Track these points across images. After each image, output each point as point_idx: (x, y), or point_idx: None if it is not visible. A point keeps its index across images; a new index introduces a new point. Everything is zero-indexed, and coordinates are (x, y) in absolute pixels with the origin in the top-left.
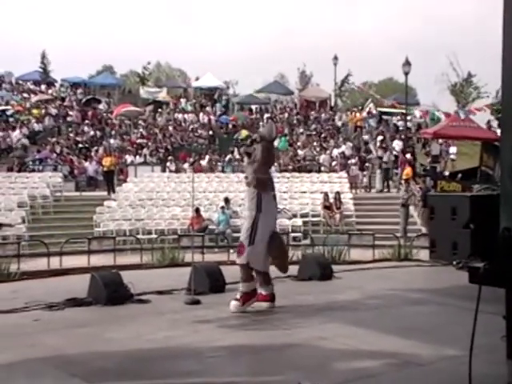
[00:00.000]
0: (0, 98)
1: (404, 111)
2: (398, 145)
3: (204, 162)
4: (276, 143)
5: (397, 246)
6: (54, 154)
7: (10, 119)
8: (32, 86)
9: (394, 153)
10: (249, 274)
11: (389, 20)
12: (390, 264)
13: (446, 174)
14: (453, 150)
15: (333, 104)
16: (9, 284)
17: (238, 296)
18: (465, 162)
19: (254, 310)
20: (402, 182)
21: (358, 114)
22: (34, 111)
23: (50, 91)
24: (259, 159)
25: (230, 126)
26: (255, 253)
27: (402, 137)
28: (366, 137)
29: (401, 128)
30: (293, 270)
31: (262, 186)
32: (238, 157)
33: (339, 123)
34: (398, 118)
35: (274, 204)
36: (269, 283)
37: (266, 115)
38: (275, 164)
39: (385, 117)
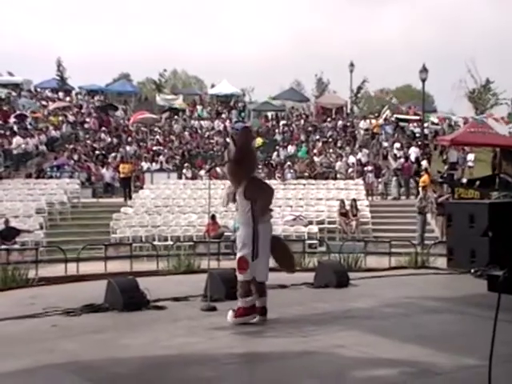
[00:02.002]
0: (21, 106)
1: (420, 117)
2: (414, 152)
3: (220, 169)
4: (293, 151)
5: (414, 254)
6: (72, 161)
7: (29, 127)
8: (50, 94)
9: (411, 160)
10: (248, 289)
11: (406, 27)
12: (407, 272)
13: (464, 181)
14: (470, 157)
15: (349, 111)
16: (27, 290)
17: (236, 307)
18: (483, 168)
19: (268, 318)
20: (420, 189)
21: (373, 121)
22: (52, 118)
23: (67, 99)
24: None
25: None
26: (260, 265)
27: (419, 143)
28: (385, 144)
29: (417, 135)
30: (309, 277)
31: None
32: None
33: (362, 128)
34: (415, 124)
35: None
36: (263, 295)
37: (282, 122)
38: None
39: (401, 123)
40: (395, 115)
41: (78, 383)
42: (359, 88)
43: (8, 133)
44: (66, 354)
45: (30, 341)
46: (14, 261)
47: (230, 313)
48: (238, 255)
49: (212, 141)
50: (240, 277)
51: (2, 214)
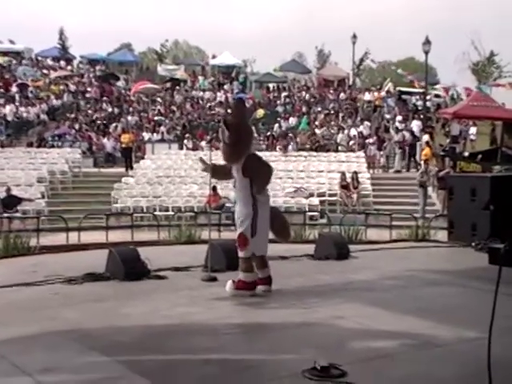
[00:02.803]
0: (22, 75)
1: (423, 90)
2: (416, 125)
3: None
4: (295, 123)
5: (414, 227)
6: (73, 130)
7: (30, 95)
8: (51, 62)
9: (413, 132)
10: (250, 265)
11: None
12: (408, 244)
13: (466, 154)
14: (473, 130)
15: (351, 83)
16: (29, 258)
17: (236, 279)
18: (485, 142)
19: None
20: (421, 162)
21: (376, 94)
22: (53, 87)
23: (68, 67)
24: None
25: (248, 104)
26: (260, 240)
27: (421, 116)
28: (387, 116)
29: (420, 108)
30: (309, 249)
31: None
32: (255, 135)
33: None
34: (417, 97)
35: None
36: (265, 266)
37: (284, 94)
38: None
39: (404, 96)
40: (398, 88)
41: (81, 351)
42: (361, 60)
43: (9, 101)
44: (68, 322)
45: (32, 308)
46: (15, 229)
47: (230, 283)
48: (238, 231)
49: (213, 112)
50: (240, 253)
51: (3, 183)
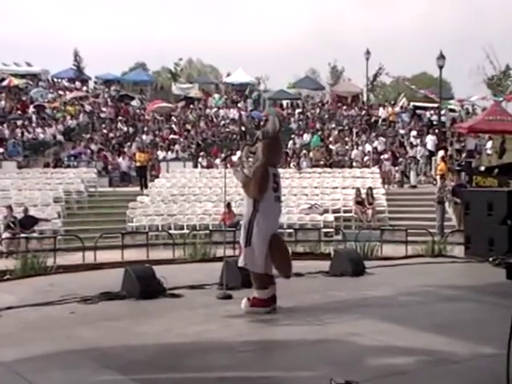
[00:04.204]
0: (39, 96)
1: (438, 105)
2: (431, 140)
3: (235, 158)
4: (308, 140)
5: (430, 242)
6: (89, 150)
7: (46, 116)
8: (67, 84)
9: (428, 148)
10: (263, 282)
11: (423, 14)
12: (424, 260)
13: (482, 169)
14: (489, 144)
15: (365, 99)
16: (45, 277)
17: (251, 297)
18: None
19: (284, 306)
20: (437, 177)
21: (390, 109)
22: (69, 108)
23: (84, 88)
24: (261, 158)
25: (262, 121)
26: (252, 255)
27: (436, 131)
28: (401, 131)
29: (434, 123)
30: (325, 265)
31: (255, 189)
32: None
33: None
34: (432, 112)
35: (276, 206)
36: (270, 284)
37: (298, 110)
38: (284, 161)
39: (418, 111)
40: (412, 103)
41: (96, 369)
42: (375, 76)
43: (26, 123)
44: (84, 341)
45: (49, 327)
46: (32, 249)
47: (245, 300)
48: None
49: (227, 129)
50: (238, 262)
51: (20, 203)
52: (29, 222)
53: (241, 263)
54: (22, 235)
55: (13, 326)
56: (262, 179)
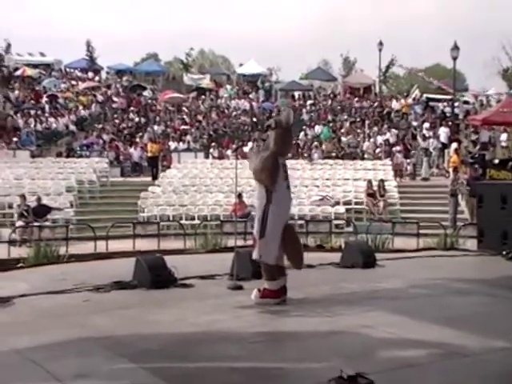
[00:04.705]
0: (52, 86)
1: (451, 97)
2: (444, 132)
3: (247, 149)
4: (319, 132)
5: (443, 235)
6: (101, 140)
7: (59, 106)
8: (79, 74)
9: (441, 140)
10: (273, 272)
11: (437, 4)
12: (436, 253)
13: (496, 161)
14: (503, 136)
15: (377, 90)
16: (58, 266)
17: (262, 288)
18: None
19: (294, 297)
20: (450, 170)
21: (403, 101)
22: (82, 98)
23: (96, 78)
24: (272, 147)
25: (273, 112)
26: (266, 246)
27: (449, 124)
28: (414, 123)
29: (448, 114)
30: (335, 257)
31: (268, 177)
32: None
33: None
34: (445, 104)
35: (287, 194)
36: (282, 275)
37: (309, 102)
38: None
39: (431, 103)
40: (425, 95)
41: (110, 357)
42: (388, 67)
43: (40, 112)
44: (97, 329)
45: (62, 315)
46: (45, 237)
47: (255, 291)
48: (253, 232)
49: (239, 120)
50: (252, 255)
51: (34, 192)
52: (42, 210)
53: (255, 256)
54: (35, 224)
55: (27, 313)
56: (272, 167)
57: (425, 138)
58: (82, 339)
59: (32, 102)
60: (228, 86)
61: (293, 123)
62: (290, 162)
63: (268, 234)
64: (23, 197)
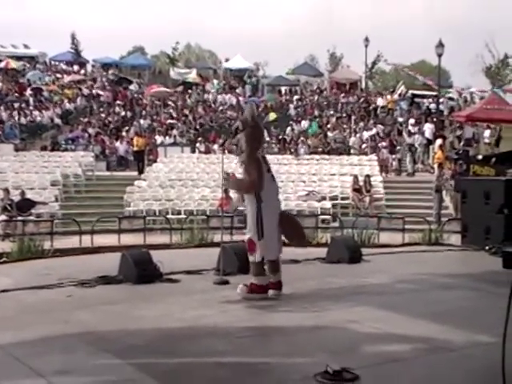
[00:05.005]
0: (37, 78)
1: (436, 93)
2: (429, 128)
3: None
4: (306, 127)
5: (427, 231)
6: (86, 134)
7: (44, 99)
8: (65, 67)
9: (426, 136)
10: (261, 268)
11: (423, 3)
12: (421, 248)
13: (480, 157)
14: (487, 133)
15: (363, 86)
16: (42, 261)
17: (248, 283)
18: (502, 146)
19: (282, 292)
20: (435, 166)
21: (388, 97)
22: (67, 91)
23: (82, 71)
24: (246, 149)
25: (259, 107)
26: (267, 244)
27: (434, 120)
28: (400, 119)
29: (433, 111)
30: (322, 252)
31: (258, 187)
32: (267, 138)
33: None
34: (430, 100)
35: (274, 186)
36: (277, 270)
37: (296, 97)
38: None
39: (417, 99)
40: (410, 91)
41: (94, 353)
42: (374, 63)
43: (24, 105)
44: (82, 325)
45: (46, 311)
46: (29, 232)
47: (241, 286)
48: (247, 236)
49: (226, 115)
50: (250, 258)
51: (17, 186)
52: (26, 204)
53: (258, 258)
54: (19, 218)
55: (10, 308)
56: (258, 171)
57: (410, 134)
58: (66, 335)
59: (16, 94)
60: (215, 81)
61: (258, 116)
62: (276, 157)
63: (266, 233)
64: (6, 190)
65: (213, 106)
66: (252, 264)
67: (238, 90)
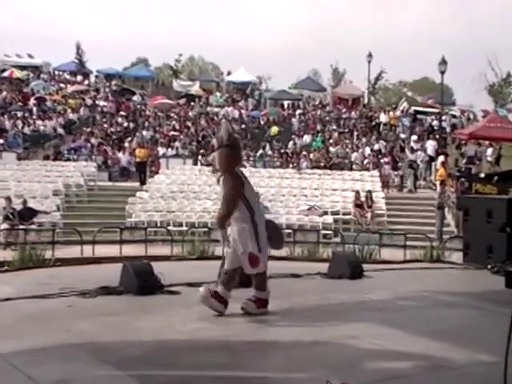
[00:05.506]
0: (40, 88)
1: (439, 110)
2: (431, 145)
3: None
4: (308, 141)
5: (429, 248)
6: (89, 144)
7: (47, 109)
8: (68, 77)
9: (428, 153)
10: (264, 282)
11: (426, 19)
12: (422, 265)
13: (482, 175)
14: (489, 151)
15: (366, 102)
16: (44, 270)
17: (253, 299)
18: (502, 164)
19: (281, 307)
20: (437, 183)
21: (391, 113)
22: (70, 101)
23: (85, 82)
24: (220, 167)
25: (262, 121)
26: (263, 256)
27: (437, 137)
28: (402, 136)
29: (435, 128)
30: (323, 267)
31: (234, 190)
32: (269, 152)
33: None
34: (433, 117)
35: (256, 195)
36: (266, 286)
37: (298, 111)
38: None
39: (419, 116)
40: (413, 107)
41: (94, 364)
42: (377, 79)
43: (27, 114)
44: (82, 335)
45: (47, 320)
46: (31, 241)
47: (250, 303)
48: (247, 251)
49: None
50: (254, 271)
51: (20, 195)
52: (28, 213)
53: (262, 268)
54: (21, 227)
55: (10, 317)
56: (236, 179)
57: (413, 151)
58: (65, 345)
59: (20, 103)
60: (217, 94)
61: (233, 133)
62: (278, 171)
63: (262, 245)
64: (9, 199)
65: (215, 118)
66: (259, 278)
67: (240, 103)
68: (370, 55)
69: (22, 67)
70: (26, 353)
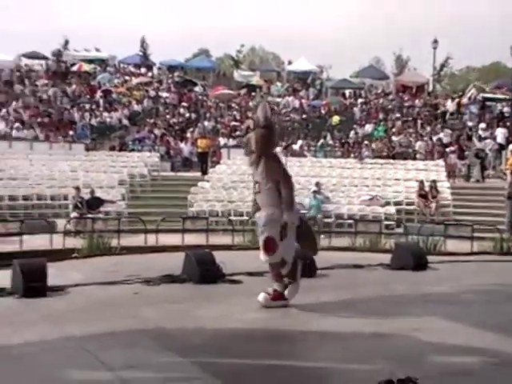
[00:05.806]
0: (106, 81)
1: (510, 96)
2: (501, 132)
3: (296, 147)
4: (370, 130)
5: (498, 239)
6: (152, 135)
7: (113, 101)
8: (133, 69)
9: (498, 141)
10: (281, 273)
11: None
12: (491, 258)
13: None
14: None
15: (431, 89)
16: (110, 258)
17: (271, 291)
18: None
19: (342, 298)
20: (507, 172)
21: (458, 100)
22: (135, 93)
23: (149, 74)
24: (255, 150)
25: (323, 110)
26: (288, 245)
27: (507, 124)
28: (469, 123)
29: (506, 115)
30: (385, 258)
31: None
32: (330, 142)
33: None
34: (504, 104)
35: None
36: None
37: (360, 100)
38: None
39: (488, 103)
40: (481, 94)
41: (158, 350)
42: (442, 66)
43: (94, 106)
44: (147, 321)
45: (114, 306)
46: (98, 229)
47: (264, 295)
48: (265, 235)
49: (289, 118)
50: (268, 258)
51: (88, 184)
52: (95, 203)
53: (276, 258)
54: (89, 216)
55: (80, 302)
56: (283, 171)
57: (480, 139)
58: (131, 331)
59: (87, 96)
60: (278, 83)
61: (271, 116)
62: (339, 161)
63: (289, 232)
64: (78, 189)
65: (276, 108)
66: (274, 267)
67: (301, 93)
68: (435, 41)
69: (90, 61)
70: (95, 337)
